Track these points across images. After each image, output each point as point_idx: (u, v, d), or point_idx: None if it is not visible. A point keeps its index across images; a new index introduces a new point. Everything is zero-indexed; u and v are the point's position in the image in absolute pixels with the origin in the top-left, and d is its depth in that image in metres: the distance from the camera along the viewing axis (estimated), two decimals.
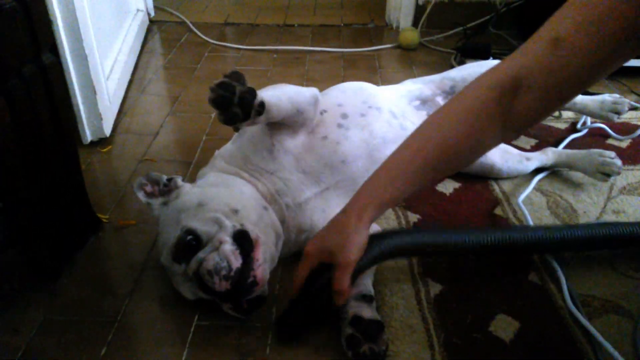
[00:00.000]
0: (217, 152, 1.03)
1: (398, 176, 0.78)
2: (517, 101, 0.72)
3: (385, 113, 1.05)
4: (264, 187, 0.93)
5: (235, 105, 0.80)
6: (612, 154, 1.17)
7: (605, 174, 1.15)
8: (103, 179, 1.22)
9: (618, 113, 1.30)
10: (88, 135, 1.32)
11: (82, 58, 1.25)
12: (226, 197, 0.87)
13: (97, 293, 0.91)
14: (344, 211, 0.80)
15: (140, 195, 0.90)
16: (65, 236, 0.95)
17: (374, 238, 0.81)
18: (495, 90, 0.73)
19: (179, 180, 0.91)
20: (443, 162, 0.78)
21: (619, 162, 1.16)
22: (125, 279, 0.93)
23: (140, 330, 0.84)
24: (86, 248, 1.00)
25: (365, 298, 0.84)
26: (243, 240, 0.80)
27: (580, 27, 0.66)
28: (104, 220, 1.07)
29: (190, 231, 0.80)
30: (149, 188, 0.91)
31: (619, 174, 1.16)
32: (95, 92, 1.29)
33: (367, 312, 0.81)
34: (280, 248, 0.91)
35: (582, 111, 1.34)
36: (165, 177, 0.91)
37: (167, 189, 0.91)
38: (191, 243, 0.80)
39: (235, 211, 0.84)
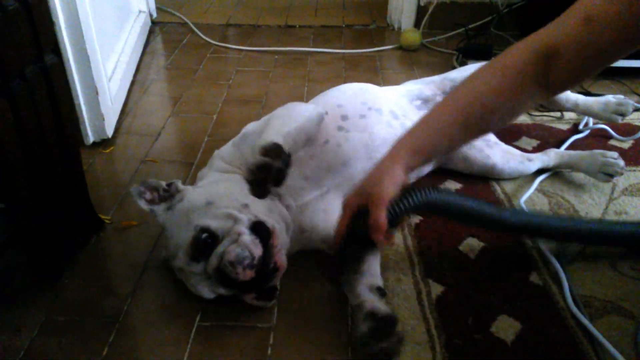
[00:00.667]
0: (216, 152, 1.03)
1: (434, 127, 0.82)
2: (553, 67, 0.76)
3: (385, 114, 1.06)
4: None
5: (271, 182, 0.83)
6: (615, 154, 1.17)
7: (608, 174, 1.15)
8: (105, 180, 1.22)
9: (622, 115, 1.30)
10: (90, 136, 1.33)
11: (84, 59, 1.25)
12: (234, 193, 0.88)
13: (98, 293, 0.91)
14: (381, 159, 0.83)
15: (142, 204, 0.89)
16: (66, 236, 0.95)
17: (414, 188, 0.82)
18: (532, 54, 0.77)
19: (179, 184, 0.91)
20: (479, 119, 0.81)
21: (621, 162, 1.15)
22: (126, 280, 0.94)
23: (141, 330, 0.84)
24: (88, 248, 1.01)
25: (380, 290, 0.85)
26: (261, 229, 0.82)
27: (611, 6, 0.69)
28: (106, 220, 1.07)
29: (204, 229, 0.81)
30: (147, 195, 0.90)
31: (621, 174, 1.15)
32: (97, 93, 1.29)
33: (381, 307, 0.81)
34: (290, 235, 0.92)
35: (585, 112, 1.33)
36: (164, 183, 0.91)
37: (168, 194, 0.90)
38: (207, 240, 0.81)
39: (245, 205, 0.85)
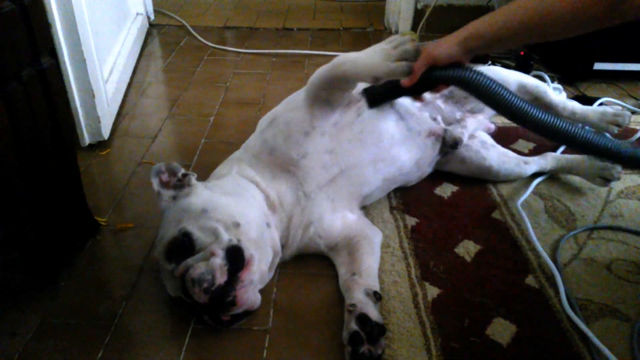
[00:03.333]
0: (235, 153, 1.02)
1: (500, 19, 0.87)
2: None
3: (391, 113, 1.06)
4: (280, 189, 0.94)
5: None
6: None
7: (605, 178, 1.15)
8: (101, 182, 1.22)
9: (619, 125, 1.29)
10: (86, 138, 1.32)
11: (80, 61, 1.25)
12: (231, 209, 0.87)
13: (94, 296, 0.91)
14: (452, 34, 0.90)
15: (155, 183, 0.90)
16: (62, 239, 0.95)
17: (462, 65, 0.90)
18: None
19: (193, 178, 0.92)
20: (542, 23, 0.84)
21: (619, 167, 1.16)
22: (122, 282, 0.93)
23: (137, 333, 0.84)
24: (84, 251, 1.00)
25: (376, 295, 0.85)
26: (235, 257, 0.80)
27: None
28: (102, 223, 1.07)
29: (187, 234, 0.81)
30: (165, 177, 0.91)
31: (619, 179, 1.16)
32: (93, 95, 1.29)
33: (373, 312, 0.82)
34: (275, 266, 0.92)
35: (582, 122, 1.33)
36: (182, 171, 0.92)
37: (180, 184, 0.91)
38: (185, 245, 0.80)
39: (237, 225, 0.84)
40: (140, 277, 0.95)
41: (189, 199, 0.88)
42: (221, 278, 0.77)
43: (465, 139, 1.14)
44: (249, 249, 0.82)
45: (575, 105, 1.31)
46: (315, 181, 0.96)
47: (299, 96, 1.00)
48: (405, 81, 0.90)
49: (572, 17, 0.81)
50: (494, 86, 0.89)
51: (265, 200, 0.92)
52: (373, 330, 0.78)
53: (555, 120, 0.86)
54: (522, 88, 1.23)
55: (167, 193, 0.90)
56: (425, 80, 0.90)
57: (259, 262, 0.83)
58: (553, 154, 1.25)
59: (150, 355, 0.80)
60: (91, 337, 0.83)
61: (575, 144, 0.87)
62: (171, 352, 0.81)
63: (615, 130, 1.30)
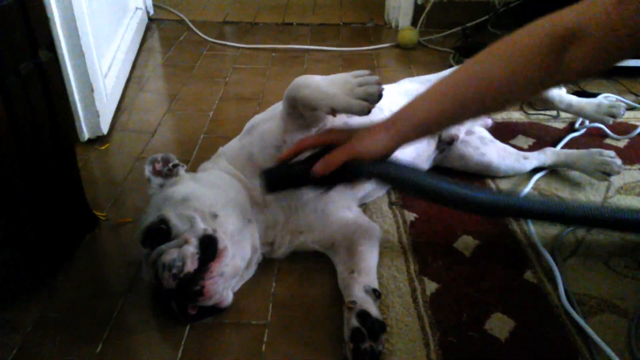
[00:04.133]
0: (221, 148, 1.03)
1: (435, 101, 0.80)
2: (570, 53, 0.71)
3: (386, 113, 1.05)
4: (260, 193, 0.93)
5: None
6: (612, 153, 1.17)
7: (605, 173, 1.15)
8: (100, 177, 1.22)
9: (614, 116, 1.31)
10: (85, 133, 1.32)
11: (79, 56, 1.25)
12: (212, 199, 0.87)
13: (93, 291, 0.91)
14: (376, 123, 0.83)
15: (147, 170, 0.93)
16: (61, 234, 0.95)
17: (389, 161, 0.83)
18: (549, 38, 0.73)
19: (181, 170, 0.94)
20: (480, 101, 0.79)
21: (618, 161, 1.16)
22: (121, 277, 0.93)
23: (136, 328, 0.84)
24: (83, 246, 1.00)
25: (375, 292, 0.85)
26: (208, 246, 0.81)
27: None
28: (101, 218, 1.07)
29: (164, 221, 0.82)
30: (159, 166, 0.94)
31: (618, 173, 1.16)
32: (92, 90, 1.29)
33: (374, 309, 0.82)
34: (255, 263, 0.92)
35: (578, 113, 1.34)
36: (175, 161, 0.95)
37: (169, 173, 0.94)
38: (161, 232, 0.81)
39: (215, 216, 0.85)
40: (139, 272, 0.94)
41: (174, 188, 0.89)
42: (191, 266, 0.78)
43: (461, 135, 1.14)
44: (224, 241, 0.82)
45: (572, 98, 1.32)
46: (299, 196, 0.95)
47: (277, 108, 0.99)
48: (317, 169, 0.81)
49: (512, 82, 0.76)
50: (413, 177, 0.83)
51: (248, 196, 0.92)
52: (374, 327, 0.78)
53: (467, 191, 0.82)
54: None
55: (156, 181, 0.93)
56: (339, 174, 0.80)
57: (234, 256, 0.83)
58: (552, 149, 1.25)
59: (148, 349, 0.80)
60: (90, 331, 0.83)
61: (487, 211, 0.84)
62: (170, 346, 0.81)
63: (611, 121, 1.31)
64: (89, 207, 1.04)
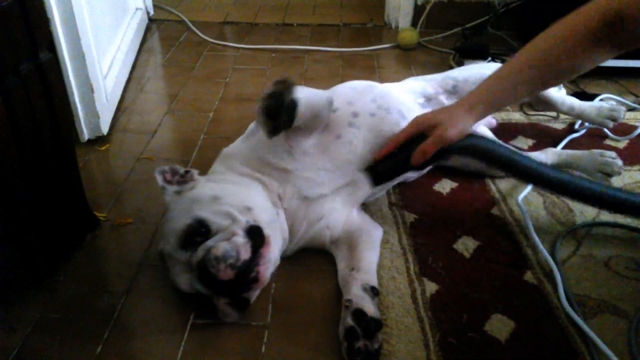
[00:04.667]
0: (225, 150, 1.03)
1: (507, 82, 0.90)
2: (624, 31, 0.81)
3: (394, 113, 1.05)
4: (280, 187, 0.94)
5: (284, 114, 0.80)
6: (613, 154, 1.17)
7: (606, 174, 1.15)
8: (100, 177, 1.22)
9: (614, 120, 1.32)
10: (85, 134, 1.32)
11: (79, 56, 1.25)
12: (241, 195, 0.88)
13: (93, 291, 0.91)
14: (454, 104, 0.94)
15: (159, 179, 0.92)
16: (61, 234, 0.95)
17: (472, 135, 0.93)
18: (599, 22, 0.82)
19: (195, 174, 0.93)
20: (547, 73, 0.89)
21: (619, 162, 1.16)
22: (121, 277, 0.93)
23: (136, 328, 0.84)
24: (83, 246, 1.00)
25: (373, 290, 0.86)
26: (255, 235, 0.81)
27: None
28: (101, 218, 1.07)
29: (201, 221, 0.82)
30: (168, 176, 0.93)
31: (619, 174, 1.16)
32: (92, 91, 1.29)
33: (370, 307, 0.82)
34: (280, 254, 0.92)
35: (579, 116, 1.35)
36: (183, 169, 0.94)
37: (182, 180, 0.93)
38: (200, 232, 0.81)
39: (249, 209, 0.85)
40: (140, 271, 0.95)
41: (196, 191, 0.89)
42: (245, 254, 0.78)
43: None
44: (266, 229, 0.83)
45: (574, 101, 1.32)
46: (316, 190, 0.95)
47: None
48: (416, 160, 0.91)
49: (570, 58, 0.86)
50: (503, 151, 0.92)
51: (268, 192, 0.93)
52: (369, 325, 0.78)
53: (568, 177, 0.91)
54: None
55: (172, 188, 0.91)
56: (434, 156, 0.91)
57: (275, 243, 0.85)
58: (554, 149, 1.25)
59: (149, 349, 0.80)
60: (90, 331, 0.83)
61: (591, 200, 0.93)
62: (170, 346, 0.81)
63: (611, 124, 1.32)
64: (89, 208, 1.04)
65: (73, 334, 0.82)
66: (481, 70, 1.23)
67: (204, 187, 0.90)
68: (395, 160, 0.94)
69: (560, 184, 0.92)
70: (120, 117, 1.47)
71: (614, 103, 1.35)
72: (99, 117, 1.32)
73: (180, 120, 1.47)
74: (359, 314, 0.80)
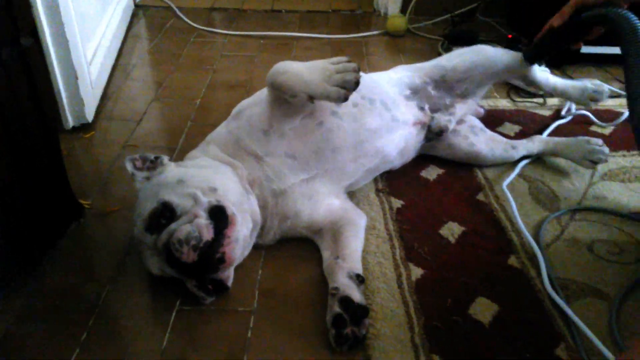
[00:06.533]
0: (208, 136, 1.03)
1: None
2: None
3: (377, 104, 1.05)
4: (251, 174, 0.93)
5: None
6: (600, 141, 1.17)
7: (592, 161, 1.16)
8: (85, 165, 1.21)
9: (597, 100, 1.30)
10: (70, 121, 1.31)
11: (63, 42, 1.23)
12: (207, 177, 0.88)
13: (79, 279, 0.90)
14: None
15: (129, 166, 0.92)
16: (46, 223, 0.94)
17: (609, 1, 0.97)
18: None
19: (165, 159, 0.93)
20: None
21: (606, 149, 1.16)
22: (107, 265, 0.93)
23: (121, 315, 0.84)
24: (68, 234, 1.00)
25: (359, 278, 0.86)
26: (218, 215, 0.81)
27: None
28: (86, 206, 1.06)
29: (166, 204, 0.82)
30: (138, 163, 0.93)
31: (606, 161, 1.17)
32: (77, 77, 1.28)
33: (357, 294, 0.83)
34: (254, 237, 0.92)
35: (562, 96, 1.33)
36: (153, 156, 0.94)
37: (153, 166, 0.93)
38: (165, 215, 0.81)
39: (214, 190, 0.85)
40: (126, 259, 0.94)
41: (163, 175, 0.89)
42: (208, 234, 0.78)
43: (451, 127, 1.15)
44: (231, 208, 0.83)
45: (557, 81, 1.31)
46: (285, 180, 0.95)
47: (263, 93, 1.00)
48: (554, 20, 1.03)
49: None
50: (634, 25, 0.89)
51: (239, 176, 0.92)
52: (356, 312, 0.79)
53: None
54: (510, 66, 1.22)
55: (141, 174, 0.92)
56: (576, 23, 1.01)
57: (241, 224, 0.84)
58: (540, 137, 1.25)
59: (134, 336, 0.81)
60: (75, 319, 0.83)
61: None
62: (156, 333, 0.81)
63: (594, 105, 1.30)
64: (74, 196, 1.03)
65: (58, 322, 0.82)
66: (469, 56, 1.22)
67: (171, 171, 0.90)
68: (542, 39, 1.09)
69: None
70: (105, 105, 1.46)
71: (599, 83, 1.33)
72: (83, 104, 1.31)
73: (166, 107, 1.46)
74: (346, 301, 0.80)
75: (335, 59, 0.89)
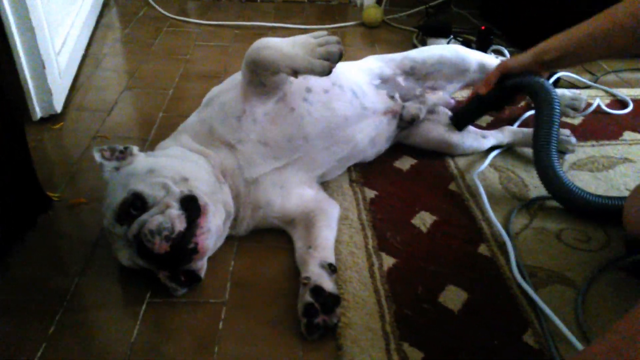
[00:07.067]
0: (181, 125, 1.02)
1: (570, 33, 0.98)
2: None
3: (347, 92, 1.05)
4: (223, 163, 0.93)
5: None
6: (567, 131, 1.20)
7: (560, 151, 1.18)
8: (54, 157, 1.18)
9: (575, 109, 1.34)
10: (38, 112, 1.28)
11: (29, 31, 1.19)
12: (178, 166, 0.87)
13: (47, 272, 0.89)
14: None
15: (97, 156, 0.90)
16: (12, 215, 0.92)
17: (535, 74, 1.05)
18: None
19: (134, 149, 0.92)
20: (605, 31, 0.94)
21: (573, 139, 1.20)
22: (76, 257, 0.92)
23: (90, 308, 0.83)
24: (36, 227, 0.98)
25: (331, 267, 0.86)
26: (190, 205, 0.80)
27: None
28: (54, 198, 1.04)
29: (136, 194, 0.80)
30: (107, 154, 0.91)
31: (573, 151, 1.19)
32: (44, 67, 1.24)
33: (328, 283, 0.83)
34: (228, 227, 0.92)
35: None
36: (122, 146, 0.92)
37: (122, 156, 0.91)
38: (136, 205, 0.80)
39: (186, 180, 0.84)
40: (95, 251, 0.93)
41: (133, 165, 0.88)
42: (180, 225, 0.77)
43: (422, 115, 1.15)
44: (203, 198, 0.82)
45: None
46: (257, 169, 0.94)
47: (236, 78, 0.99)
48: (480, 88, 1.10)
49: (633, 22, 0.88)
50: (555, 100, 1.01)
51: (211, 166, 0.92)
52: (327, 301, 0.79)
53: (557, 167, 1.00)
54: (482, 68, 1.24)
55: (110, 164, 0.90)
56: (500, 90, 1.08)
57: (214, 214, 0.83)
58: (510, 127, 1.27)
59: (103, 329, 0.79)
60: (43, 312, 0.81)
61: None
62: (125, 325, 0.80)
63: (572, 113, 1.34)
64: (41, 188, 1.01)
65: (25, 315, 0.81)
66: (441, 51, 1.23)
67: (141, 161, 0.89)
68: (469, 106, 1.14)
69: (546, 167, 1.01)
70: (75, 95, 1.43)
71: (577, 92, 1.36)
72: (51, 95, 1.27)
73: (138, 97, 1.43)
74: (318, 290, 0.81)
75: (316, 33, 0.89)
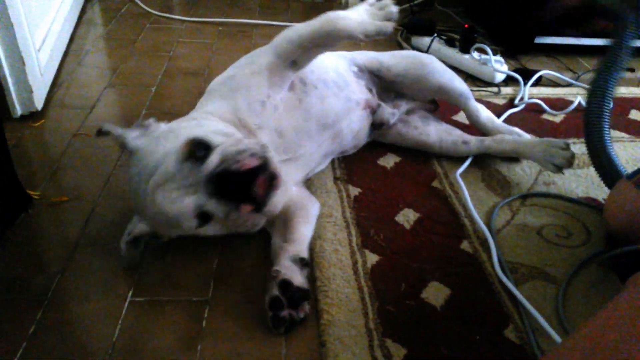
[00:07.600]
0: (200, 111, 0.96)
1: None
2: None
3: (331, 86, 1.05)
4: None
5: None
6: (562, 143, 1.10)
7: (557, 166, 1.09)
8: (35, 155, 1.17)
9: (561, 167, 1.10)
10: (18, 109, 1.26)
11: (7, 27, 1.18)
12: (219, 125, 0.87)
13: (27, 270, 0.88)
14: None
15: (111, 127, 0.87)
16: None
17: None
18: None
19: (152, 119, 0.89)
20: None
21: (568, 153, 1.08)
22: (57, 256, 0.90)
23: (72, 307, 0.82)
24: (15, 226, 0.96)
25: (302, 261, 0.86)
26: (260, 144, 0.82)
27: None
28: (35, 196, 1.03)
29: (197, 139, 0.78)
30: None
31: (571, 166, 1.09)
32: (24, 63, 1.22)
33: (298, 278, 0.82)
34: None
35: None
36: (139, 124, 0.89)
37: (145, 127, 0.87)
38: (204, 143, 0.78)
39: (229, 134, 0.85)
40: (76, 250, 0.92)
41: (169, 125, 0.87)
42: (262, 150, 0.80)
43: (392, 121, 1.16)
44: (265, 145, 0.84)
45: (490, 116, 1.28)
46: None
47: (260, 59, 0.97)
48: None
49: None
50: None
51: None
52: (294, 295, 0.79)
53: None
54: (443, 90, 1.22)
55: (133, 132, 0.86)
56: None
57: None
58: (493, 138, 1.19)
59: (85, 327, 0.79)
60: (23, 311, 0.80)
61: None
62: (107, 324, 0.79)
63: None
64: (21, 186, 1.00)
65: (4, 314, 0.79)
66: (407, 61, 1.20)
67: (175, 122, 0.88)
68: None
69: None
70: (56, 92, 1.41)
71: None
72: (32, 92, 1.26)
73: (121, 94, 1.42)
74: (285, 284, 0.80)
75: (369, 1, 0.97)
